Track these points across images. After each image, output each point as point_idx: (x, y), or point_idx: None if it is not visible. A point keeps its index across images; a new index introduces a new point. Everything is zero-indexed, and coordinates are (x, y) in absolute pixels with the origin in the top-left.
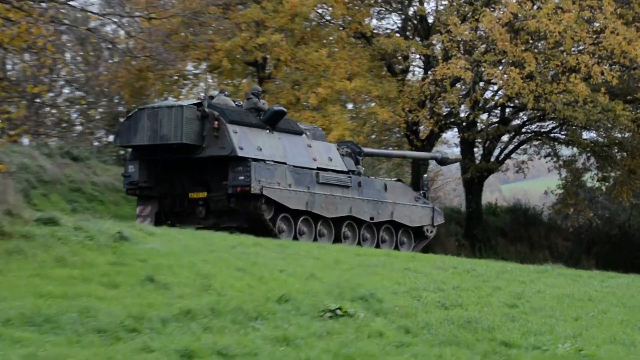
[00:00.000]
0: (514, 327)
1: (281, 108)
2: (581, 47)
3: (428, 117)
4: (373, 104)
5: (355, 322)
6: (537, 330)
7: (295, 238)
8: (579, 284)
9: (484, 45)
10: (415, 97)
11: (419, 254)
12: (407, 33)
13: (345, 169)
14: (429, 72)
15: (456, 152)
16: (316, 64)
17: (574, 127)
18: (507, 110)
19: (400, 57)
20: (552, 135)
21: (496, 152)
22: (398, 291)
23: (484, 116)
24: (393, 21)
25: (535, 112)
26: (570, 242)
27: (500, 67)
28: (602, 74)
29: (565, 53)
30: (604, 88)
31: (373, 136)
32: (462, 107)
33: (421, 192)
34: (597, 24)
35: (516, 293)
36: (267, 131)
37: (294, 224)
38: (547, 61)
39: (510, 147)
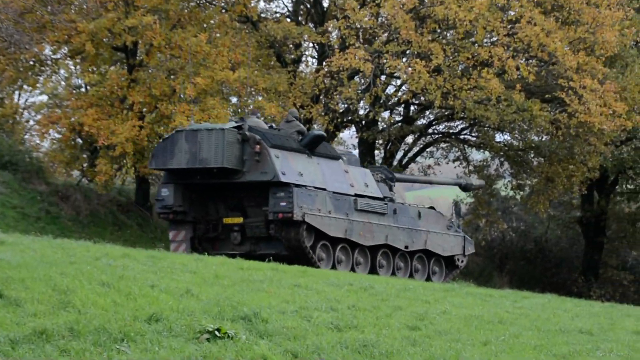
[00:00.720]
0: (416, 352)
1: (322, 132)
2: (494, 39)
3: (322, 113)
4: (260, 98)
5: (236, 345)
6: (441, 356)
7: (333, 267)
8: (489, 304)
9: (385, 34)
10: (308, 91)
11: (310, 268)
12: (299, 18)
13: (381, 196)
14: (324, 63)
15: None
16: (194, 50)
17: (485, 128)
18: (412, 108)
19: (291, 46)
20: (461, 136)
21: (399, 155)
22: (286, 310)
23: (386, 114)
24: (283, 4)
25: (443, 110)
26: (481, 258)
27: (404, 59)
28: (518, 69)
29: (476, 45)
30: (519, 85)
31: None
32: (361, 103)
33: (453, 219)
34: (512, 13)
35: (419, 314)
36: (306, 156)
37: (332, 252)
38: (456, 53)
39: (415, 149)
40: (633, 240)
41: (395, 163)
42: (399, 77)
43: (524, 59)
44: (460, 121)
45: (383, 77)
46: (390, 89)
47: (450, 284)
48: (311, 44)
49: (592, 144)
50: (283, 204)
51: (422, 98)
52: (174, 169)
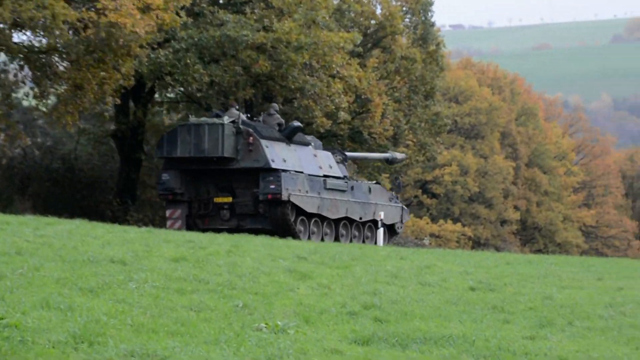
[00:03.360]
0: None
1: (299, 124)
2: None
3: None
4: None
5: None
6: None
7: (308, 237)
8: (6, 233)
9: None
10: None
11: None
12: None
13: (342, 175)
14: None
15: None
16: None
17: (0, 26)
18: None
19: None
20: None
21: None
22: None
23: None
24: None
25: None
26: (0, 179)
27: None
28: None
29: None
30: None
31: None
32: None
33: (394, 192)
34: None
35: None
36: (286, 144)
37: (307, 225)
38: None
39: None
40: None
41: None
42: None
43: None
44: None
45: None
46: None
47: None
48: None
49: (125, 46)
50: (272, 186)
51: None
52: (179, 157)
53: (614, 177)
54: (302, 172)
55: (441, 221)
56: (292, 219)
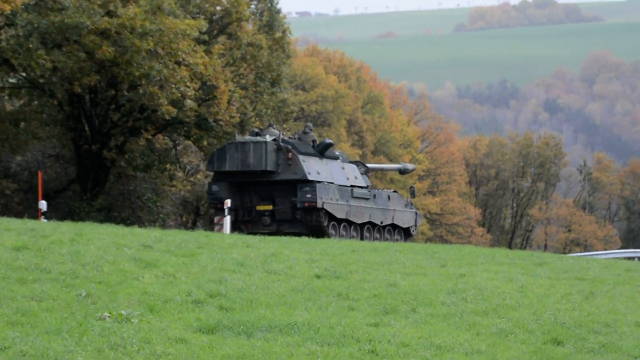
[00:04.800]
0: None
1: (331, 141)
2: None
3: None
4: None
5: None
6: None
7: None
8: None
9: None
10: None
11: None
12: None
13: (365, 185)
14: None
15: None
16: None
17: None
18: None
19: None
20: None
21: None
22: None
23: None
24: None
25: None
26: None
27: None
28: None
29: None
30: None
31: None
32: None
33: (408, 199)
34: None
35: None
36: (319, 158)
37: (338, 229)
38: None
39: None
40: (17, 144)
41: None
42: None
43: None
44: None
45: None
46: None
47: None
48: None
49: None
50: (309, 195)
51: None
52: (227, 171)
53: (458, 165)
54: (333, 183)
55: None
56: (325, 224)
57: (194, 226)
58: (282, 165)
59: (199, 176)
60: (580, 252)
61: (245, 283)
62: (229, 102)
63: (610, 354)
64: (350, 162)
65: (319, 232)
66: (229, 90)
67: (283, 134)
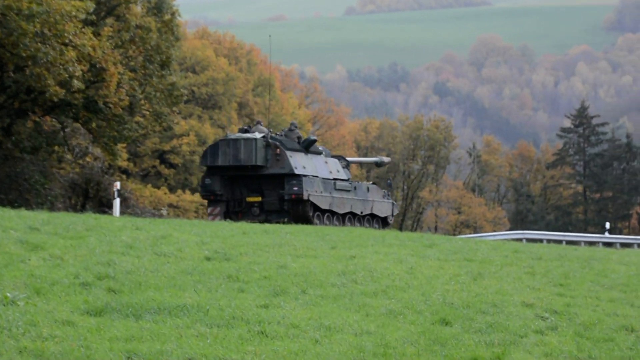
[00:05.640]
0: None
1: (315, 137)
2: None
3: None
4: None
5: None
6: None
7: None
8: None
9: None
10: None
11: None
12: None
13: (346, 178)
14: None
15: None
16: None
17: None
18: None
19: None
20: None
21: None
22: None
23: None
24: None
25: None
26: None
27: None
28: None
29: None
30: None
31: None
32: None
33: (386, 191)
34: None
35: None
36: (304, 153)
37: (322, 219)
38: None
39: None
40: None
41: None
42: None
43: None
44: None
45: None
46: None
47: None
48: None
49: None
50: (295, 188)
51: None
52: (220, 165)
53: (349, 148)
54: (317, 177)
55: (179, 191)
56: (311, 214)
57: (82, 209)
58: (271, 160)
59: (87, 158)
60: (470, 233)
61: (134, 265)
62: (118, 84)
63: (497, 334)
64: (332, 156)
65: (304, 221)
66: (118, 73)
67: (271, 131)
